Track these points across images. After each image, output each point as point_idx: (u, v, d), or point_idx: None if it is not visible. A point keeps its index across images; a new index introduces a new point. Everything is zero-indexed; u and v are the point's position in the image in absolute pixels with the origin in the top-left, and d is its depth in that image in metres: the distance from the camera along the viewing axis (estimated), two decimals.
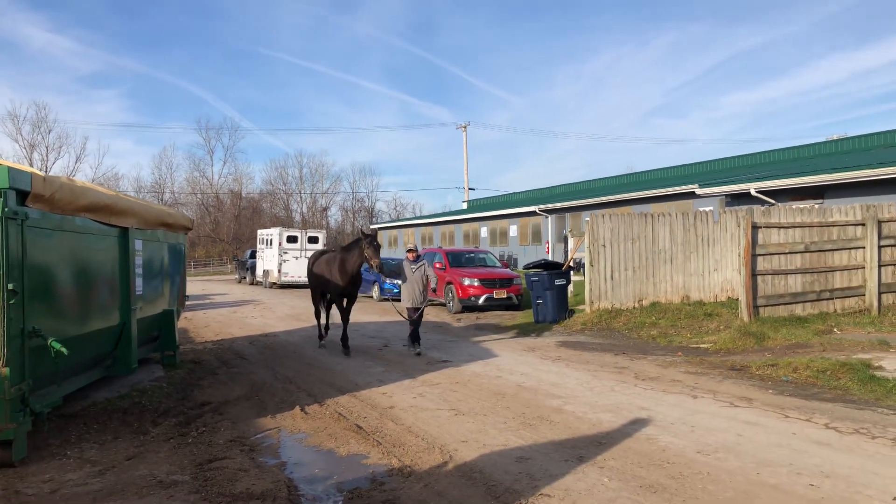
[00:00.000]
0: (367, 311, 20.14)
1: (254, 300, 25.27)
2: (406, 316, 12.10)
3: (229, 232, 73.19)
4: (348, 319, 12.23)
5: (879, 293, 13.55)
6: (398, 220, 69.54)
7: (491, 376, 9.55)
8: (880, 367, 8.89)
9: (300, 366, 10.76)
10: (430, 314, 19.29)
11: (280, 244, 31.92)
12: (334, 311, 13.53)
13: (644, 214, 16.10)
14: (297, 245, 32.35)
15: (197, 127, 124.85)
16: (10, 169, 5.44)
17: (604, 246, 15.34)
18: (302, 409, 7.70)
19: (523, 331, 14.75)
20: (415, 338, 11.78)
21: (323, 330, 13.17)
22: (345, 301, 12.15)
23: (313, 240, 32.84)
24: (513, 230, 39.27)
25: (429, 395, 8.46)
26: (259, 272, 35.07)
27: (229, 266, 60.67)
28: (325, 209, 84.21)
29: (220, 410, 7.73)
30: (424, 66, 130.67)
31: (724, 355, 10.76)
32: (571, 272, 17.01)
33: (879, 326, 12.19)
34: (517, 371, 9.96)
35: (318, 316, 13.36)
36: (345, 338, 11.97)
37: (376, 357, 11.55)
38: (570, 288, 16.87)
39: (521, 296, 19.27)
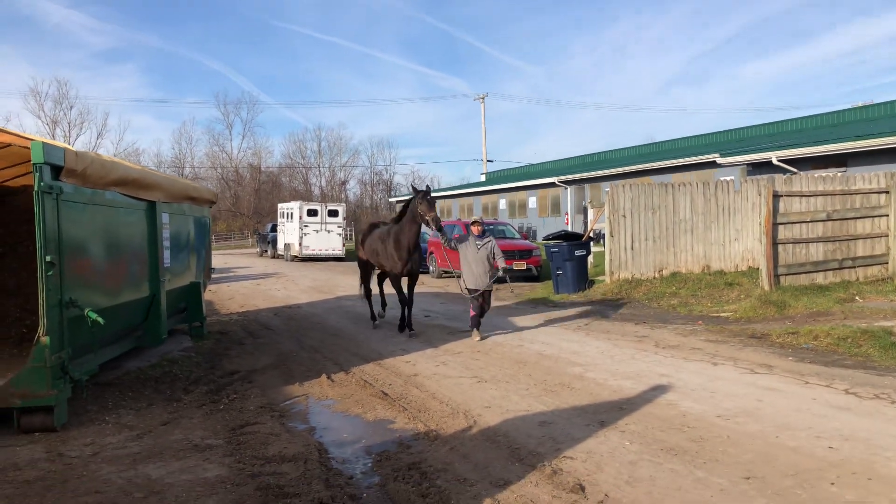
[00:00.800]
0: (387, 283, 20.32)
1: (276, 273, 25.57)
2: (469, 297, 10.41)
3: (249, 206, 73.73)
4: (412, 301, 10.94)
5: None
6: None
7: (512, 345, 9.69)
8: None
9: (324, 336, 10.96)
10: (450, 285, 19.46)
11: (300, 217, 32.16)
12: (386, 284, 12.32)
13: (664, 184, 16.04)
14: (318, 218, 32.58)
15: (215, 101, 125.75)
16: (44, 144, 5.59)
17: (624, 216, 15.34)
18: (328, 377, 7.88)
19: (543, 301, 14.86)
20: (474, 322, 10.32)
21: (378, 307, 12.04)
22: (405, 281, 10.91)
23: (333, 213, 33.05)
24: (532, 202, 39.21)
25: (451, 363, 8.62)
26: (280, 245, 35.41)
27: (250, 240, 61.23)
28: (344, 182, 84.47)
29: (248, 378, 7.94)
30: (441, 37, 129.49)
31: (745, 324, 10.80)
32: (591, 243, 17.04)
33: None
34: (538, 340, 10.08)
35: (367, 295, 12.13)
36: (408, 321, 10.81)
37: (398, 327, 11.71)
38: (590, 259, 16.91)
39: (540, 267, 19.34)
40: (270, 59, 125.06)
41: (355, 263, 29.82)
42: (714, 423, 5.86)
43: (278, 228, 36.25)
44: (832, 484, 4.48)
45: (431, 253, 22.21)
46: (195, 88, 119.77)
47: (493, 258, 10.26)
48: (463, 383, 7.53)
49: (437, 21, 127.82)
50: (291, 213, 33.28)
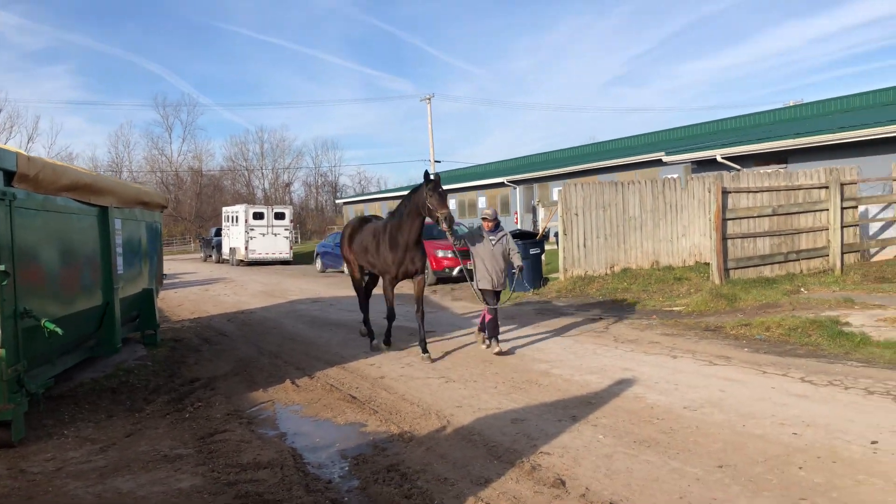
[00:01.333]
0: (339, 286, 20.16)
1: (224, 278, 25.06)
2: (484, 300, 9.25)
3: (191, 210, 72.12)
4: (422, 310, 9.12)
5: (842, 253, 14.04)
6: (363, 194, 69.21)
7: (477, 344, 9.71)
8: (847, 323, 9.27)
9: (282, 340, 10.79)
10: (404, 287, 19.39)
11: (246, 221, 31.62)
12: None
13: (615, 183, 16.34)
14: (264, 221, 32.08)
15: (154, 104, 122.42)
16: None
17: (576, 214, 15.56)
18: (293, 382, 7.76)
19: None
20: (492, 331, 9.10)
21: (369, 325, 10.26)
22: (414, 287, 9.32)
23: (280, 216, 32.58)
24: (481, 201, 39.42)
25: (417, 364, 8.59)
26: (225, 250, 34.72)
27: (192, 245, 59.86)
28: (288, 185, 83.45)
29: (210, 386, 7.76)
30: (385, 38, 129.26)
31: (698, 317, 11.09)
32: (545, 241, 17.24)
33: (843, 285, 12.66)
34: (500, 338, 10.12)
35: (363, 307, 10.46)
36: (421, 338, 8.96)
37: (358, 330, 11.60)
38: (543, 257, 17.10)
39: None
40: (211, 60, 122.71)
41: (304, 266, 30.09)
42: (682, 414, 5.99)
43: (223, 232, 35.54)
44: (800, 468, 4.64)
45: None
46: (132, 90, 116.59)
47: (510, 254, 9.20)
48: (431, 384, 7.52)
49: (381, 22, 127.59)
50: (237, 217, 32.68)
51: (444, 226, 8.36)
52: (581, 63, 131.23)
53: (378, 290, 10.26)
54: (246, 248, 31.57)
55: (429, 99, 59.49)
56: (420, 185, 8.71)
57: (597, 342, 9.52)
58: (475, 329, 11.18)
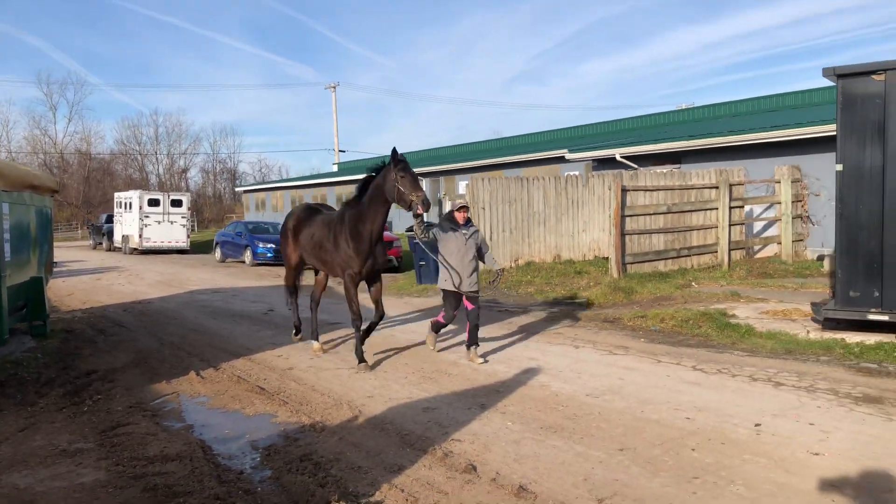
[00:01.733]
0: (241, 276, 19.69)
1: (117, 266, 23.90)
2: (443, 303, 8.30)
3: (78, 195, 68.17)
4: (382, 313, 8.27)
5: (729, 250, 14.98)
6: (265, 182, 67.58)
7: (384, 335, 9.75)
8: (734, 315, 9.92)
9: (184, 332, 10.46)
10: (309, 277, 19.14)
11: (140, 208, 30.26)
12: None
13: (520, 178, 16.74)
14: (160, 209, 30.81)
15: (36, 81, 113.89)
16: None
17: (483, 208, 15.83)
18: (197, 374, 7.56)
19: (407, 292, 15.03)
20: (472, 339, 8.04)
21: (298, 318, 9.51)
22: (371, 284, 8.22)
23: (177, 203, 31.38)
24: None
25: (325, 355, 8.55)
26: (117, 237, 33.08)
27: (80, 231, 56.68)
28: (185, 171, 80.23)
29: (109, 378, 7.44)
30: (288, 23, 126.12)
31: (597, 309, 11.56)
32: None
33: (730, 279, 13.52)
34: (408, 330, 10.23)
35: (292, 292, 9.62)
36: (361, 342, 7.96)
37: (263, 322, 11.43)
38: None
39: (401, 258, 19.53)
40: (101, 37, 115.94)
41: (203, 256, 29.15)
42: (584, 401, 6.27)
43: (115, 219, 33.82)
44: (693, 450, 4.97)
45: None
46: (12, 66, 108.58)
47: (481, 252, 8.22)
48: (341, 374, 7.51)
49: (284, 6, 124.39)
50: (130, 203, 31.22)
51: (419, 211, 7.34)
52: (487, 58, 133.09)
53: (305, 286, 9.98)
54: (140, 236, 30.22)
55: (334, 87, 58.81)
56: (384, 166, 7.63)
57: (503, 332, 9.77)
58: (384, 322, 11.21)
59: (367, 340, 8.32)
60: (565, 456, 4.92)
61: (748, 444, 5.06)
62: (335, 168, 55.44)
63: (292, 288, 9.54)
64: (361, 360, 7.74)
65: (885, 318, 7.90)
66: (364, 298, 8.48)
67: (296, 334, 9.46)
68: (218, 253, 26.22)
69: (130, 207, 31.10)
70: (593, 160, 22.62)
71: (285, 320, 11.32)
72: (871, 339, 8.02)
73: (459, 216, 8.14)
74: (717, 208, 14.88)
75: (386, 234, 20.93)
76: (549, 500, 4.18)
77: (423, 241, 8.42)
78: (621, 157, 20.76)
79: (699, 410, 5.91)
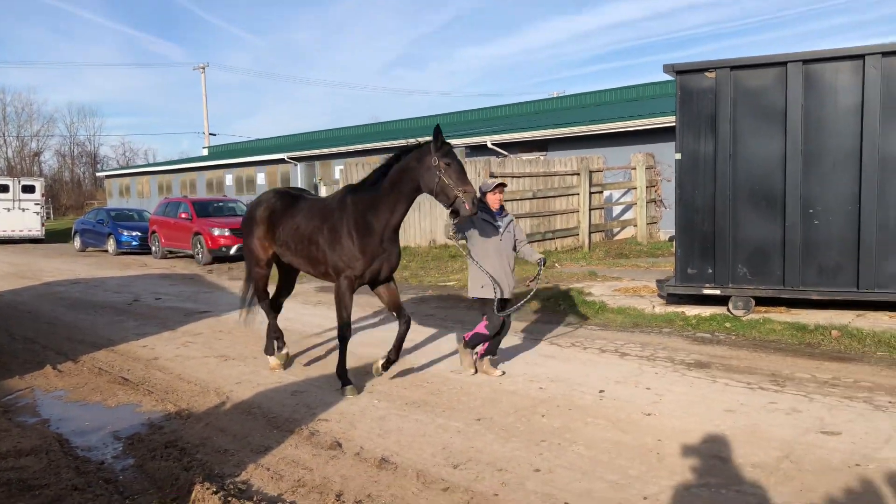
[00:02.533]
0: (103, 266, 18.79)
1: None
2: (484, 313, 6.59)
3: None
4: (406, 315, 6.64)
5: (590, 233, 15.92)
6: (130, 166, 64.05)
7: (255, 322, 9.69)
8: (590, 293, 10.64)
9: (39, 325, 9.94)
10: (178, 266, 18.56)
11: None
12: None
13: None
14: (9, 195, 28.63)
15: None
16: None
17: None
18: (54, 368, 7.27)
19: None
20: (491, 346, 6.67)
21: (277, 335, 7.29)
22: (384, 290, 6.66)
23: (29, 189, 29.27)
24: (261, 178, 38.42)
25: (193, 345, 8.44)
26: None
27: None
28: (38, 154, 74.42)
29: None
30: None
31: (467, 290, 11.98)
32: None
33: (590, 260, 14.40)
34: (280, 316, 10.19)
35: (264, 298, 7.47)
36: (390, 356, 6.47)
37: (127, 312, 11.03)
38: None
39: None
40: None
41: (60, 245, 27.46)
42: (448, 377, 6.61)
43: None
44: (543, 416, 5.41)
45: (154, 232, 20.93)
46: None
47: (518, 246, 6.74)
48: (209, 363, 7.47)
49: None
50: None
51: (467, 209, 5.73)
52: (364, 41, 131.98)
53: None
54: None
55: (203, 68, 56.49)
56: (420, 147, 5.96)
57: (376, 316, 9.98)
58: (253, 306, 11.12)
59: (241, 328, 8.25)
60: (427, 428, 5.22)
61: (591, 409, 5.56)
62: (205, 152, 53.40)
63: (265, 293, 7.42)
64: (346, 381, 6.18)
65: (718, 291, 8.78)
66: (363, 304, 8.38)
67: (279, 349, 7.28)
68: (77, 242, 24.77)
69: None
70: (467, 147, 23.20)
71: (151, 309, 11.02)
72: (706, 311, 8.89)
73: (494, 200, 6.44)
74: (578, 194, 15.77)
75: None
76: (408, 469, 4.45)
77: (459, 243, 6.75)
78: (492, 144, 21.44)
79: (552, 381, 6.39)
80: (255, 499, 4.05)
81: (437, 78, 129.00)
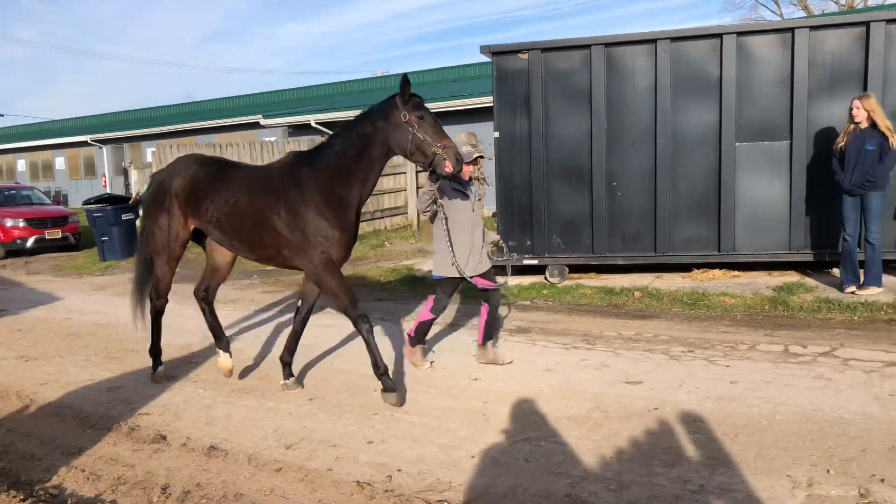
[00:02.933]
0: None
1: None
2: (439, 295, 6.00)
3: None
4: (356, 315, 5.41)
5: (417, 212, 16.21)
6: None
7: (59, 319, 8.93)
8: (419, 270, 10.87)
9: None
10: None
11: None
12: None
13: (213, 145, 16.21)
14: None
15: None
16: None
17: None
18: None
19: (89, 270, 13.79)
20: (488, 334, 6.07)
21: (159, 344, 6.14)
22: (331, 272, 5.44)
23: None
24: (60, 163, 35.09)
25: None
26: None
27: None
28: None
29: None
30: None
31: (290, 273, 11.77)
32: (140, 207, 16.29)
33: (418, 238, 14.68)
34: (89, 311, 9.46)
35: (157, 303, 6.16)
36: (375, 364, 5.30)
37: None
38: (138, 223, 16.19)
39: (79, 235, 17.70)
40: None
41: None
42: (276, 361, 6.44)
43: None
44: (375, 391, 5.45)
45: None
46: None
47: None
48: (6, 365, 6.78)
49: None
50: None
51: (448, 167, 4.96)
52: (176, 13, 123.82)
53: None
54: None
55: None
56: (386, 103, 5.15)
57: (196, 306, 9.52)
58: (59, 301, 10.22)
59: (41, 324, 7.55)
60: (257, 413, 5.11)
61: (423, 379, 5.72)
62: None
63: (165, 295, 6.20)
64: (386, 375, 5.28)
65: (536, 262, 9.33)
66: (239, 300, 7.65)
67: (156, 366, 6.07)
68: None
69: None
70: (290, 126, 22.67)
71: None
72: (527, 281, 9.41)
73: (467, 171, 5.85)
74: (405, 173, 15.97)
75: (59, 208, 18.88)
76: (239, 454, 4.34)
77: (429, 214, 5.84)
78: (316, 123, 21.11)
79: (385, 356, 6.46)
80: (69, 502, 3.77)
81: (260, 54, 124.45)
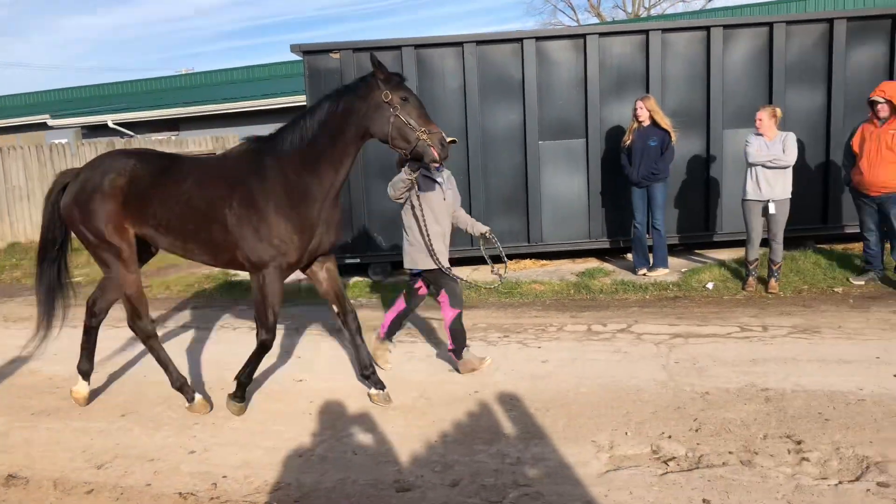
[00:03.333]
0: None
1: None
2: (447, 281, 5.51)
3: None
4: (349, 307, 5.20)
5: None
6: None
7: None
8: (236, 275, 10.49)
9: None
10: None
11: None
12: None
13: None
14: None
15: None
16: None
17: None
18: None
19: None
20: (461, 339, 5.55)
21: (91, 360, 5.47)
22: (325, 276, 5.16)
23: None
24: None
25: None
26: None
27: None
28: None
29: None
30: None
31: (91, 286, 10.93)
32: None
33: None
34: None
35: (90, 341, 5.47)
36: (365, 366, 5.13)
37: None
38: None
39: None
40: None
41: None
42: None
43: None
44: (222, 389, 5.25)
45: None
46: None
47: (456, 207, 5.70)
48: None
49: None
50: None
51: (434, 154, 4.51)
52: None
53: None
54: None
55: None
56: (363, 81, 4.70)
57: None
58: None
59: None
60: (61, 435, 4.72)
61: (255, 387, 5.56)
62: None
63: (145, 309, 5.31)
64: (241, 398, 5.00)
65: (358, 260, 9.40)
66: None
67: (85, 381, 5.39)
68: None
69: None
70: (83, 127, 20.88)
71: None
72: (350, 280, 9.45)
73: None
74: None
75: None
76: (42, 480, 4.01)
77: (400, 201, 5.35)
78: (114, 123, 19.64)
79: (204, 363, 6.23)
80: None
81: (43, 49, 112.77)
